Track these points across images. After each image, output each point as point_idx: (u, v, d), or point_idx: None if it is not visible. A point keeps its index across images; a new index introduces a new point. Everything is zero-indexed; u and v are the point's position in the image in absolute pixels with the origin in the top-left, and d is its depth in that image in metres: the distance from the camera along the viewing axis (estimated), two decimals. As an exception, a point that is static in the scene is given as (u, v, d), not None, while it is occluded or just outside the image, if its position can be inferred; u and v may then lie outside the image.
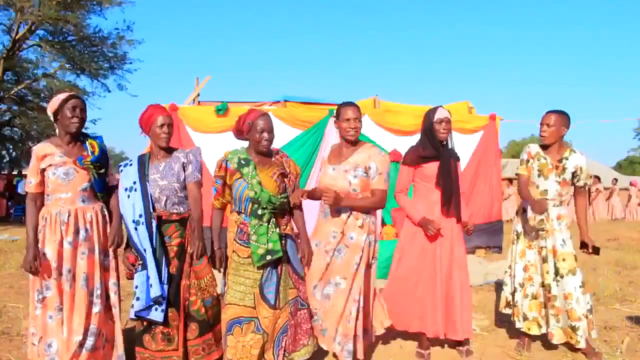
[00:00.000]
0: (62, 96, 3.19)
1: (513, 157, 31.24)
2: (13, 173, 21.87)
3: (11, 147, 22.01)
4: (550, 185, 3.68)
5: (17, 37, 18.11)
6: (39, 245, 3.04)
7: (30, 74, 20.20)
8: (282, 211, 3.27)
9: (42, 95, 19.82)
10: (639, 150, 43.68)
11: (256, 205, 3.12)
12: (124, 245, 3.27)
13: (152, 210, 3.14)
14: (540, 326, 3.69)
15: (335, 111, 3.55)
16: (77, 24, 18.05)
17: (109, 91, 21.29)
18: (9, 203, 17.09)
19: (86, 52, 20.24)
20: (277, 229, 3.17)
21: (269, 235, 3.11)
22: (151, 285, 3.05)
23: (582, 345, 3.50)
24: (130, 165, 3.28)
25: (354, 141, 3.47)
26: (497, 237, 8.49)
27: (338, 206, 3.33)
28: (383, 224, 7.66)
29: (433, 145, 3.65)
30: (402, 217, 7.33)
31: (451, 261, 3.60)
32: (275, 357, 3.17)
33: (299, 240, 3.36)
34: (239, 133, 3.30)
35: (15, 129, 21.28)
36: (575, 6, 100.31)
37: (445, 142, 3.69)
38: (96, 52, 20.44)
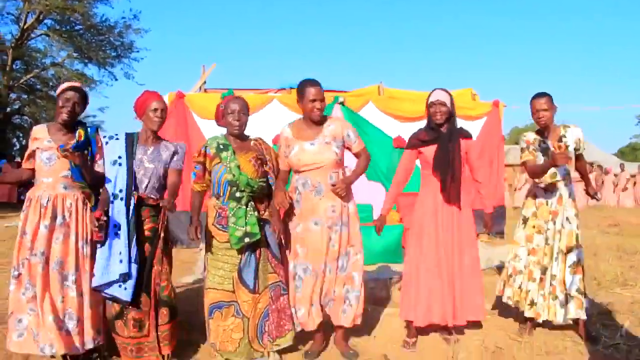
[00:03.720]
0: (64, 85, 3.25)
1: (516, 143, 30.97)
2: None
3: (21, 135, 22.24)
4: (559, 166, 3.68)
5: (25, 27, 18.25)
6: (21, 225, 3.13)
7: (38, 63, 20.37)
8: (261, 196, 3.31)
9: (51, 84, 20.01)
10: (641, 137, 43.20)
11: (234, 188, 3.17)
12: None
13: (133, 189, 3.18)
14: (543, 310, 3.70)
15: (297, 89, 3.42)
16: (84, 13, 18.17)
17: (116, 79, 21.52)
18: (19, 190, 17.26)
19: (93, 41, 20.37)
20: (256, 213, 3.20)
21: (247, 218, 3.14)
22: (121, 260, 3.06)
23: (559, 321, 3.63)
24: (117, 139, 3.29)
25: (319, 121, 3.40)
26: (499, 223, 8.53)
27: (347, 189, 3.35)
28: (387, 209, 7.73)
29: (430, 129, 3.63)
30: (406, 202, 7.44)
31: (456, 247, 3.58)
32: (260, 342, 3.25)
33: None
34: (218, 119, 3.41)
35: (24, 117, 21.52)
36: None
37: (446, 125, 3.61)
38: (103, 41, 20.57)
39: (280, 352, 3.35)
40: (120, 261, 3.07)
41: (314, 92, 3.30)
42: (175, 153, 3.36)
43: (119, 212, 3.12)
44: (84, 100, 3.29)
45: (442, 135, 3.59)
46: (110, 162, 3.21)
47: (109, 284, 3.10)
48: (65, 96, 3.18)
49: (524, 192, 17.10)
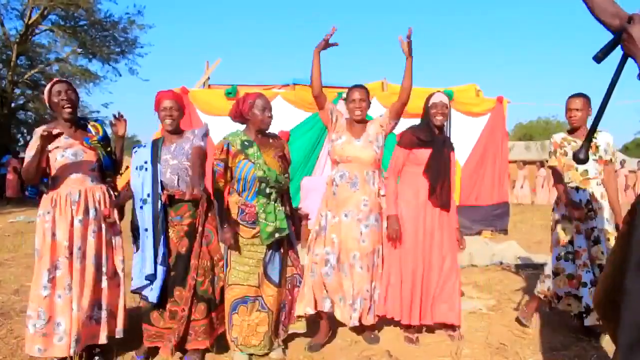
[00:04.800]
0: (49, 85, 3.22)
1: (519, 139, 31.07)
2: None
3: (25, 130, 22.31)
4: (590, 164, 3.69)
5: (29, 22, 18.29)
6: (50, 226, 3.06)
7: (43, 58, 20.41)
8: (283, 192, 3.38)
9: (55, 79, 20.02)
10: (647, 133, 42.94)
11: (264, 185, 3.19)
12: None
13: (160, 191, 3.19)
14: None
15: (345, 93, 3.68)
16: (88, 8, 18.22)
17: (120, 75, 21.56)
18: (24, 185, 17.32)
19: (97, 36, 20.43)
20: (283, 208, 3.28)
21: (276, 213, 3.21)
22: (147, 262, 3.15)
23: None
24: (144, 147, 3.36)
25: (360, 121, 3.60)
26: (503, 219, 8.54)
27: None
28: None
29: (427, 130, 3.62)
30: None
31: (436, 249, 3.58)
32: (277, 333, 3.35)
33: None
34: (239, 115, 3.37)
35: (29, 112, 21.57)
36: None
37: (441, 129, 3.66)
38: (107, 36, 20.63)
39: (285, 343, 3.42)
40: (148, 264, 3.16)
41: (353, 95, 3.59)
42: (194, 138, 3.34)
43: (148, 217, 3.16)
44: (73, 89, 3.27)
45: (436, 138, 3.61)
46: (137, 168, 3.26)
47: (143, 288, 3.20)
48: (56, 90, 3.17)
49: (519, 188, 17.21)
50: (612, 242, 3.58)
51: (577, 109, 3.70)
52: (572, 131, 3.83)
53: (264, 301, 3.27)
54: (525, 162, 18.87)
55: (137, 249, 3.22)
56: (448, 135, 3.80)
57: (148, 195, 3.19)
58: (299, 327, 3.42)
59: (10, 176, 15.74)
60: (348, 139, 3.55)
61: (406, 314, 3.56)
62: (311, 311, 3.42)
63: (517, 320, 3.96)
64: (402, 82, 3.55)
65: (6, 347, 3.47)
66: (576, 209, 3.60)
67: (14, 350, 3.38)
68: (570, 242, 3.69)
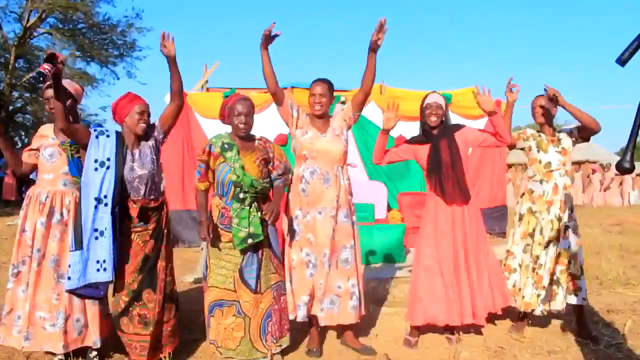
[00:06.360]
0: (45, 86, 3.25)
1: (517, 142, 31.24)
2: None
3: (23, 133, 22.31)
4: (552, 156, 3.79)
5: (28, 25, 18.31)
6: (21, 222, 3.15)
7: (41, 61, 20.34)
8: (265, 196, 3.31)
9: (53, 82, 20.03)
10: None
11: (238, 189, 3.15)
12: None
13: (119, 195, 3.06)
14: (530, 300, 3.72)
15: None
16: (86, 11, 18.27)
17: (118, 78, 21.63)
18: (22, 188, 17.31)
19: (96, 39, 20.49)
20: (259, 213, 3.19)
21: (250, 218, 3.14)
22: (103, 269, 2.96)
23: (537, 312, 3.68)
24: (108, 136, 3.11)
25: (320, 115, 3.53)
26: (501, 222, 8.54)
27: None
28: (389, 208, 7.76)
29: (423, 130, 3.70)
30: (408, 202, 7.45)
31: (469, 246, 3.56)
32: (264, 343, 3.23)
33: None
34: (223, 118, 3.35)
35: (27, 115, 21.58)
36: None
37: (439, 127, 3.65)
38: (106, 39, 20.69)
39: (281, 352, 3.36)
40: (102, 269, 2.97)
41: (314, 89, 3.51)
42: (151, 131, 3.28)
43: (102, 218, 2.99)
44: (69, 94, 3.22)
45: (435, 137, 3.63)
46: (96, 162, 3.04)
47: (84, 289, 3.03)
48: (46, 97, 3.25)
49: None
50: (553, 234, 3.70)
51: (541, 106, 3.84)
52: (538, 130, 3.98)
53: (241, 307, 3.21)
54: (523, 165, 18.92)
55: (77, 247, 2.95)
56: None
57: (105, 197, 2.99)
58: (287, 339, 3.33)
59: (8, 179, 15.71)
60: (315, 134, 3.49)
61: (453, 314, 3.49)
62: (305, 318, 3.39)
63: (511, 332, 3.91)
64: (365, 74, 3.50)
65: (4, 350, 3.45)
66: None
67: (11, 354, 3.36)
68: (531, 234, 3.82)
